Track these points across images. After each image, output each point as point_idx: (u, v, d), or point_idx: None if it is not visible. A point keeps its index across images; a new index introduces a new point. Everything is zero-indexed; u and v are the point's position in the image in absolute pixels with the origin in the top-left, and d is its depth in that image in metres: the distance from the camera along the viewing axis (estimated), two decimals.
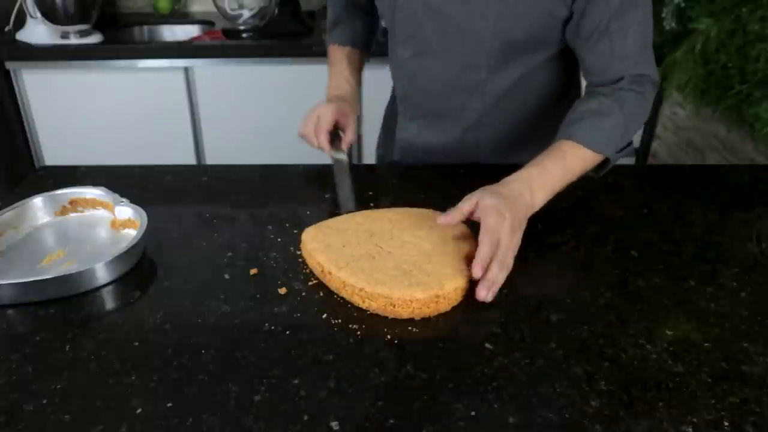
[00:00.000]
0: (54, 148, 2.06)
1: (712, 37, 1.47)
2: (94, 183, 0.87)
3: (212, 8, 2.14)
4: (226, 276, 0.74)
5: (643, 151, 2.11)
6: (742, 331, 0.66)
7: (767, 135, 1.40)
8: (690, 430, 0.54)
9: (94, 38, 1.95)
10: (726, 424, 0.54)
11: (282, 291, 0.71)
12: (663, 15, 1.59)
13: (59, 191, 0.85)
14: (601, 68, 0.86)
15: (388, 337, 0.64)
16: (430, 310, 0.67)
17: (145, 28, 2.27)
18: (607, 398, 0.57)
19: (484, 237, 0.69)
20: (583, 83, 0.93)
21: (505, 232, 0.69)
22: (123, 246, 0.73)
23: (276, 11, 2.04)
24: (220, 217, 0.88)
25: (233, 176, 1.01)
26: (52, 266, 0.76)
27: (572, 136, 0.81)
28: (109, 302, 0.71)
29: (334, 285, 0.71)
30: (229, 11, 2.04)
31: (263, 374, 0.59)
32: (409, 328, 0.66)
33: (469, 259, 0.71)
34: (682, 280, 0.74)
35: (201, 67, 1.95)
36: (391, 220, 0.80)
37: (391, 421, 0.54)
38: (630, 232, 0.84)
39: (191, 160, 2.11)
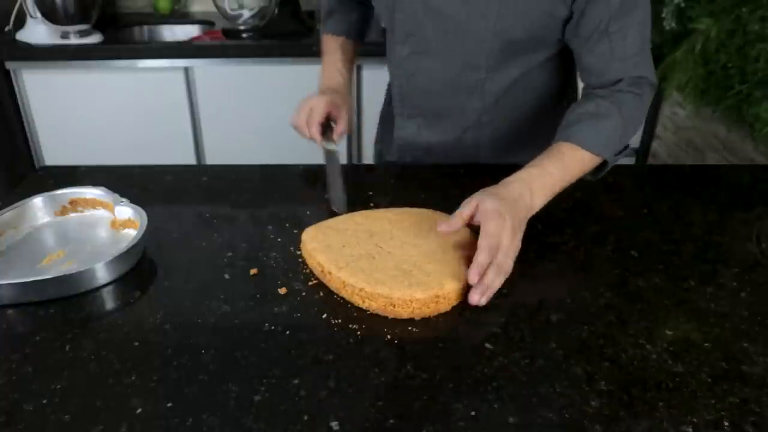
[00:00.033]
0: (54, 148, 2.06)
1: (712, 37, 1.47)
2: (94, 183, 0.87)
3: (212, 8, 2.14)
4: (226, 276, 0.74)
5: (643, 151, 2.11)
6: (742, 331, 0.66)
7: (767, 135, 1.40)
8: (690, 430, 0.54)
9: (94, 38, 1.94)
10: (726, 424, 0.54)
11: (282, 291, 0.71)
12: (663, 15, 1.59)
13: (59, 191, 0.85)
14: (599, 69, 0.85)
15: (388, 337, 0.64)
16: (430, 310, 0.67)
17: (145, 28, 2.27)
18: (607, 398, 0.57)
19: (483, 242, 0.68)
20: (581, 84, 0.93)
21: (505, 234, 0.69)
22: (123, 246, 0.73)
23: (276, 11, 2.04)
24: (220, 217, 0.88)
25: (233, 176, 1.01)
26: (52, 266, 0.76)
27: (570, 138, 0.80)
28: (109, 302, 0.71)
29: (334, 285, 0.71)
30: (229, 11, 2.04)
31: (263, 374, 0.59)
32: (409, 328, 0.66)
33: (469, 259, 0.70)
34: (682, 280, 0.74)
35: (201, 67, 1.95)
36: (391, 220, 0.80)
37: (391, 421, 0.54)
38: (630, 232, 0.84)
39: (191, 160, 2.11)
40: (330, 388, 0.58)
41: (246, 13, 2.03)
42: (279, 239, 0.82)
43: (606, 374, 0.59)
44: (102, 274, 0.72)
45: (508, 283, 0.70)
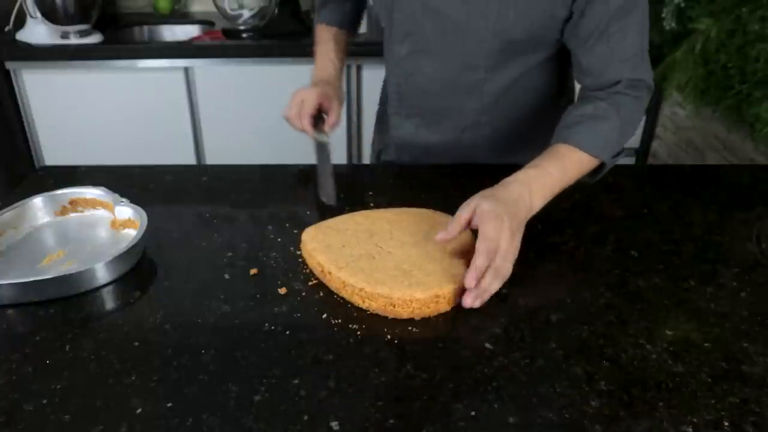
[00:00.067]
0: (54, 148, 2.06)
1: (712, 37, 1.47)
2: (94, 183, 0.87)
3: (212, 8, 2.14)
4: (226, 276, 0.74)
5: (643, 151, 2.11)
6: (742, 331, 0.66)
7: (767, 135, 1.40)
8: (690, 430, 0.54)
9: (94, 38, 1.94)
10: (726, 424, 0.54)
11: (282, 291, 0.71)
12: (663, 15, 1.59)
13: (59, 191, 0.86)
14: (598, 70, 0.85)
15: (388, 337, 0.64)
16: (430, 310, 0.67)
17: (145, 28, 2.27)
18: (607, 398, 0.57)
19: (480, 245, 0.67)
20: (578, 85, 0.93)
21: (504, 237, 0.68)
22: (123, 246, 0.73)
23: (276, 11, 2.04)
24: (220, 217, 0.88)
25: (233, 176, 1.01)
26: (52, 266, 0.76)
27: (569, 140, 0.80)
28: (109, 302, 0.71)
29: (334, 285, 0.71)
30: (229, 11, 2.04)
31: (263, 374, 0.59)
32: (409, 328, 0.66)
33: (469, 259, 0.70)
34: (682, 280, 0.74)
35: (201, 67, 1.95)
36: (391, 220, 0.80)
37: (391, 421, 0.54)
38: (630, 232, 0.84)
39: (191, 160, 2.11)
40: (330, 388, 0.58)
41: (246, 13, 2.04)
42: (279, 239, 0.82)
43: (606, 374, 0.59)
44: (102, 274, 0.72)
45: (508, 283, 0.70)
